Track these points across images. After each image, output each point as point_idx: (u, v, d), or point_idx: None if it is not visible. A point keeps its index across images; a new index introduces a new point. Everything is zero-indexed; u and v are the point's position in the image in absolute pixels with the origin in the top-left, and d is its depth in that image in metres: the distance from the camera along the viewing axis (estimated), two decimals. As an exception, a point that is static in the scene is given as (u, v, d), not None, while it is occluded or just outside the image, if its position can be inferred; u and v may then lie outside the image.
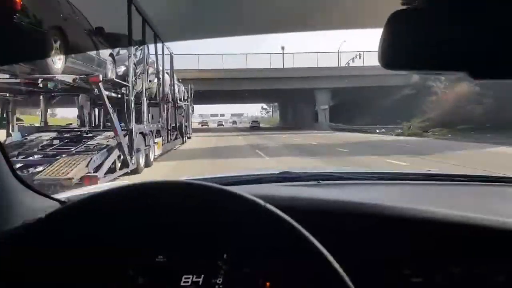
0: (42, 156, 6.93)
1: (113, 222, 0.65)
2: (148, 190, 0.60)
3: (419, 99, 27.03)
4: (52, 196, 1.03)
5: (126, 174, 7.58)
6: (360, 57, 34.84)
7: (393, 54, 0.56)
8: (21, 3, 3.09)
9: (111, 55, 8.33)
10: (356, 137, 21.65)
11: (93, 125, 10.45)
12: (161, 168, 9.67)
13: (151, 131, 9.99)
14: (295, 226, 0.53)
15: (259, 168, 2.45)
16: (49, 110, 10.84)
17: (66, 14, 5.68)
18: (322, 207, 0.82)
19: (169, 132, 13.36)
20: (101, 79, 6.88)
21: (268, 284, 0.81)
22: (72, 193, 1.15)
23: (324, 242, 0.60)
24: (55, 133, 8.42)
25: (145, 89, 9.72)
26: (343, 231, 0.79)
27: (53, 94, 8.39)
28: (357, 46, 55.56)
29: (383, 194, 1.07)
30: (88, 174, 6.10)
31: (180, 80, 18.47)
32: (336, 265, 0.52)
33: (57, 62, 6.04)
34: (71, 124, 11.58)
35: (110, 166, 6.98)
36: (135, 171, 8.07)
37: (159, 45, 11.13)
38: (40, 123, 9.50)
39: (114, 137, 7.44)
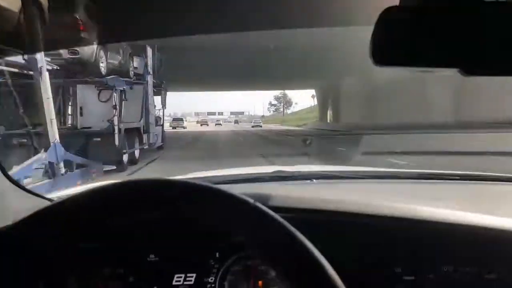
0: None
1: (103, 221, 0.65)
2: (139, 189, 0.59)
3: None
4: (44, 195, 1.02)
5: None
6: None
7: (385, 50, 0.56)
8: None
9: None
10: None
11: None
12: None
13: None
14: (285, 225, 0.53)
15: (254, 167, 2.44)
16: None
17: None
18: (313, 206, 0.82)
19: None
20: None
21: (260, 283, 0.81)
22: (64, 192, 1.14)
23: (315, 240, 0.59)
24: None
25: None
26: (335, 230, 0.79)
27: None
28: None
29: (375, 193, 1.07)
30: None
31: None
32: (327, 264, 0.52)
33: None
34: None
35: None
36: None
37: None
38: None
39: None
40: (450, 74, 0.58)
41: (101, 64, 7.30)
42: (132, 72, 9.32)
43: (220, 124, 66.47)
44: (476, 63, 0.55)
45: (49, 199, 1.03)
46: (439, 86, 16.65)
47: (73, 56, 6.57)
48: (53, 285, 0.65)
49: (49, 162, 5.38)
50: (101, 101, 7.86)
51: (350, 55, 16.34)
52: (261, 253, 0.55)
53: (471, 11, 0.54)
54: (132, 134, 8.76)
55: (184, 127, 41.67)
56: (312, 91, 42.70)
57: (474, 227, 0.76)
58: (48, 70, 5.59)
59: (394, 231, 0.79)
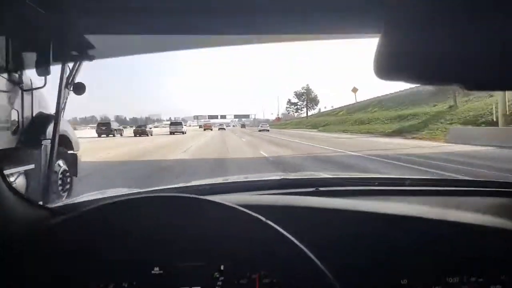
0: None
1: (107, 235, 0.65)
2: (142, 204, 0.59)
3: None
4: (44, 205, 1.03)
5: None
6: None
7: (388, 63, 0.56)
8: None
9: None
10: None
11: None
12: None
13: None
14: (293, 241, 0.53)
15: (259, 174, 2.44)
16: None
17: None
18: (319, 217, 0.81)
19: None
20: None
21: None
22: (64, 202, 1.14)
23: (321, 254, 0.59)
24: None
25: None
26: (340, 242, 0.79)
27: None
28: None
29: (381, 201, 1.07)
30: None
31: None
32: (330, 276, 0.52)
33: None
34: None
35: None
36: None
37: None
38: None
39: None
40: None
41: None
42: None
43: (224, 128, 63.19)
44: (478, 79, 0.55)
45: (47, 208, 1.03)
46: None
47: None
48: None
49: None
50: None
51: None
52: (270, 267, 0.55)
53: (476, 24, 0.54)
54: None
55: (183, 132, 36.99)
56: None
57: (478, 237, 0.76)
58: None
59: (400, 242, 0.78)
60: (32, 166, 4.00)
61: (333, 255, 0.67)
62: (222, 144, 18.03)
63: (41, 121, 4.41)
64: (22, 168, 3.93)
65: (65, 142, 4.81)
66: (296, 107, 66.67)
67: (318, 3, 0.70)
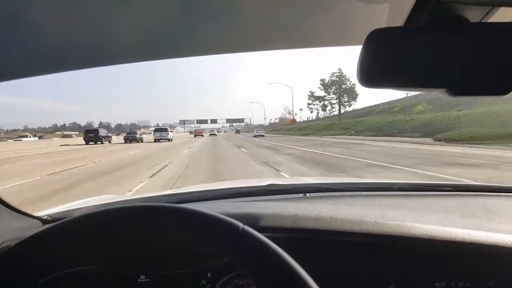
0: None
1: (93, 244, 0.64)
2: (128, 214, 0.59)
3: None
4: (32, 214, 1.01)
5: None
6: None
7: (372, 72, 0.57)
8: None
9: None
10: None
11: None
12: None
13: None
14: (275, 249, 0.53)
15: (248, 180, 2.43)
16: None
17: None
18: (305, 225, 0.81)
19: None
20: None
21: None
22: (52, 210, 1.13)
23: (307, 260, 0.59)
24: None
25: None
26: (327, 249, 0.79)
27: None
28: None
29: (368, 207, 1.08)
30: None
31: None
32: (313, 285, 0.52)
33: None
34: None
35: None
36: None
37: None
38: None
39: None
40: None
41: None
42: None
43: (215, 134, 60.96)
44: (463, 84, 0.56)
45: (37, 218, 1.02)
46: None
47: None
48: None
49: None
50: None
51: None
52: (255, 277, 0.54)
53: (458, 32, 0.56)
54: None
55: (169, 139, 34.11)
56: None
57: (465, 243, 0.77)
58: None
59: (387, 248, 0.79)
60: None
61: (318, 262, 0.67)
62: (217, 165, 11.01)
63: None
64: None
65: None
66: (322, 102, 45.75)
67: (300, 18, 0.71)
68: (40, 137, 63.45)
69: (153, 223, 0.56)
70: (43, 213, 1.08)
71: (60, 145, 30.49)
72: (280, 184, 1.37)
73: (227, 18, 0.70)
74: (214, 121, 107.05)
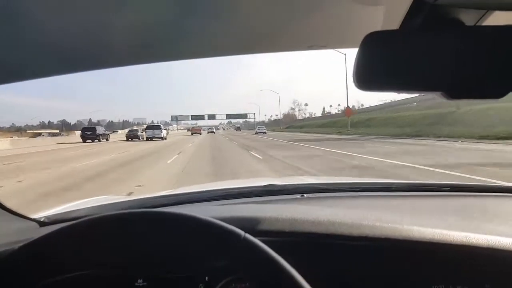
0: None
1: (92, 249, 0.64)
2: (120, 220, 0.59)
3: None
4: (29, 216, 1.01)
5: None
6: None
7: (368, 75, 0.57)
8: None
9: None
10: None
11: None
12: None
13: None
14: (275, 258, 0.53)
15: (246, 180, 2.43)
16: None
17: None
18: (303, 229, 0.81)
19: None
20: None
21: None
22: (49, 212, 1.12)
23: (305, 263, 0.59)
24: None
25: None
26: (325, 253, 0.79)
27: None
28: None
29: (366, 209, 1.08)
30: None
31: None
32: None
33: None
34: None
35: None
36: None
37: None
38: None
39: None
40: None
41: None
42: None
43: (213, 132, 58.46)
44: (459, 87, 0.56)
45: (34, 220, 1.01)
46: None
47: None
48: None
49: None
50: None
51: None
52: (253, 281, 0.55)
53: (453, 35, 0.56)
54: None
55: (162, 138, 30.70)
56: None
57: (463, 246, 0.77)
58: None
59: (384, 252, 0.79)
60: None
61: (316, 266, 0.67)
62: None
63: None
64: None
65: None
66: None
67: (297, 20, 0.71)
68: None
69: (155, 230, 0.57)
70: (40, 215, 1.08)
71: (57, 143, 29.81)
72: (278, 185, 1.36)
73: (224, 20, 0.70)
74: (212, 117, 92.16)
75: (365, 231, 0.80)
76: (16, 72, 0.86)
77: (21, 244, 0.64)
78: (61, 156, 15.27)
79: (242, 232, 0.55)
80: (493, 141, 15.39)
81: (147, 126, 35.84)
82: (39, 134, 58.57)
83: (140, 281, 0.76)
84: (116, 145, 24.24)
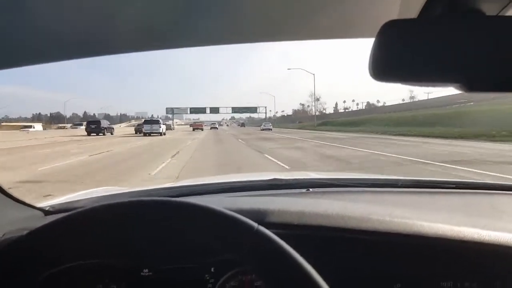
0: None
1: (96, 238, 0.63)
2: (127, 209, 0.58)
3: None
4: (34, 205, 1.01)
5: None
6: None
7: (385, 65, 0.55)
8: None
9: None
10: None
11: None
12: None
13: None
14: (288, 251, 0.52)
15: (251, 174, 2.42)
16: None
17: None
18: (311, 222, 0.80)
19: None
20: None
21: None
22: (53, 201, 1.12)
23: (313, 257, 0.58)
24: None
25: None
26: (334, 246, 0.78)
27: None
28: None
29: (373, 205, 1.06)
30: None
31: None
32: (320, 282, 0.51)
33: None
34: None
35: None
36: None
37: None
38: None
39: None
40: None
41: None
42: None
43: (216, 127, 55.95)
44: (478, 79, 0.54)
45: (39, 208, 1.01)
46: None
47: None
48: None
49: None
50: None
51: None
52: (261, 273, 0.54)
53: (474, 25, 0.54)
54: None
55: (161, 133, 29.53)
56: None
57: (473, 243, 0.75)
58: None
59: (393, 247, 0.78)
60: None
61: (324, 259, 0.65)
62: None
63: None
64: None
65: None
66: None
67: (312, 9, 0.69)
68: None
69: (165, 219, 0.56)
70: (45, 204, 1.08)
71: (60, 136, 29.78)
72: (283, 179, 1.35)
73: (239, 8, 0.69)
74: (215, 110, 78.14)
75: (375, 225, 0.78)
76: (14, 57, 0.85)
77: (27, 231, 0.64)
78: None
79: (255, 224, 0.54)
80: None
81: (145, 120, 34.09)
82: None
83: (145, 270, 0.76)
84: (110, 140, 22.75)
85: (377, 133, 29.08)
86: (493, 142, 16.41)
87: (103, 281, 0.76)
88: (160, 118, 44.53)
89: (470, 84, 0.54)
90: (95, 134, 31.36)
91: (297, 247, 0.57)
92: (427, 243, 0.77)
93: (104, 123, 34.23)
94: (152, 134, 29.23)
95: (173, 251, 0.72)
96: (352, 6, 0.70)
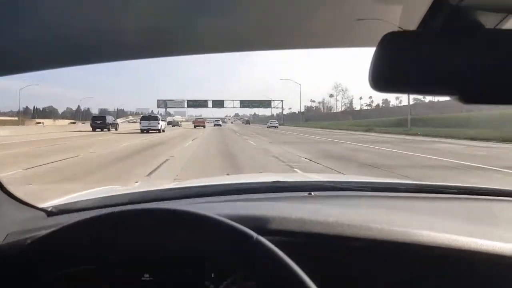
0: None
1: (97, 243, 0.64)
2: (128, 218, 0.59)
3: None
4: (37, 205, 1.02)
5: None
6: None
7: (385, 76, 0.55)
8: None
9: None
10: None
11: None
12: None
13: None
14: (286, 262, 0.52)
15: (252, 175, 2.43)
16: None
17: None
18: (312, 229, 0.81)
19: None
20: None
21: None
22: (56, 202, 1.13)
23: (312, 264, 0.59)
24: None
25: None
26: (333, 253, 0.78)
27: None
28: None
29: (375, 211, 1.06)
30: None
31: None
32: None
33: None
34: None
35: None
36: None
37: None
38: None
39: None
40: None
41: None
42: None
43: (220, 125, 50.15)
44: (475, 92, 0.54)
45: (42, 209, 1.02)
46: None
47: None
48: None
49: None
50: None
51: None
52: (261, 281, 0.54)
53: (472, 38, 0.54)
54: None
55: (159, 130, 27.85)
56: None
57: (470, 252, 0.76)
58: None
59: (392, 255, 0.78)
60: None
61: (323, 267, 0.66)
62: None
63: None
64: None
65: None
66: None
67: (314, 18, 0.70)
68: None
69: (165, 228, 0.56)
70: (47, 204, 1.09)
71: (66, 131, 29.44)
72: (286, 182, 1.35)
73: (237, 16, 0.69)
74: (219, 104, 61.33)
75: (373, 234, 0.79)
76: (20, 64, 0.86)
77: (31, 235, 0.65)
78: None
79: (254, 234, 0.54)
80: None
81: (142, 116, 32.10)
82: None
83: (146, 275, 0.76)
84: (107, 137, 21.13)
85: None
86: None
87: (105, 286, 0.77)
88: (160, 115, 42.52)
89: (468, 95, 0.54)
90: (99, 130, 30.74)
91: (297, 254, 0.58)
92: (425, 251, 0.77)
93: (109, 119, 33.96)
94: (150, 131, 27.58)
95: (174, 258, 0.73)
96: (353, 15, 0.70)
